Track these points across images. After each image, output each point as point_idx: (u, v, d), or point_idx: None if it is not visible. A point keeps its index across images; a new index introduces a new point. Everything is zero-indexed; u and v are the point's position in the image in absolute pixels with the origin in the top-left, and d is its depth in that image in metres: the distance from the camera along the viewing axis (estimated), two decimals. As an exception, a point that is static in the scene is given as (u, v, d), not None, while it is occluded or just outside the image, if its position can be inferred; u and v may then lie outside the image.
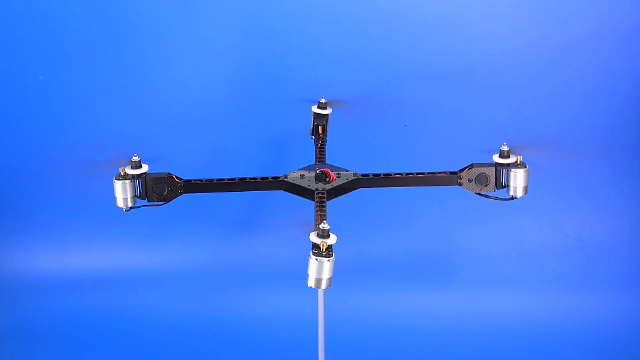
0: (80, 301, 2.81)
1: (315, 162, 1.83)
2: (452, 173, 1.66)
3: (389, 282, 2.78)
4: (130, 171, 1.64)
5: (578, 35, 2.44)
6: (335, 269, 1.39)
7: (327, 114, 1.97)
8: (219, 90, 2.60)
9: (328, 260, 1.36)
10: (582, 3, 2.42)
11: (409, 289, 2.76)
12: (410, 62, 2.52)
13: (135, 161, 1.65)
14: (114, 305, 2.78)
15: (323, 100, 1.96)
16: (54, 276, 2.85)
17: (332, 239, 1.38)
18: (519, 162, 1.60)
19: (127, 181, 1.64)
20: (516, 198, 1.62)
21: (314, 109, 1.97)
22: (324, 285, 1.39)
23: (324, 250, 1.37)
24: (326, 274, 1.37)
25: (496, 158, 1.62)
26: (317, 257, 1.36)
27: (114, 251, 2.86)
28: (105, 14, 2.52)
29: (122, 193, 1.64)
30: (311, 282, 1.40)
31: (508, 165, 1.61)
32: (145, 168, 1.67)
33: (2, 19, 2.55)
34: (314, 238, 1.39)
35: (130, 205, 1.66)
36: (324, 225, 1.38)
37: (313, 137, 1.98)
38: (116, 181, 1.64)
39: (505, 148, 1.61)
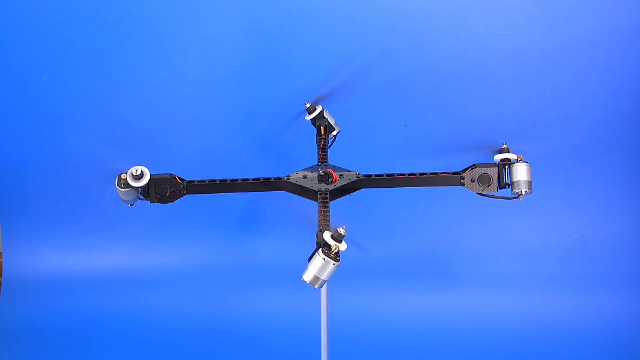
0: (84, 301, 2.81)
1: (318, 162, 1.83)
2: (454, 173, 1.66)
3: (391, 282, 2.78)
4: (133, 183, 1.65)
5: (581, 35, 2.44)
6: (338, 269, 1.40)
7: (320, 113, 1.97)
8: (221, 91, 2.60)
9: (334, 264, 1.37)
10: (585, 3, 2.41)
11: (412, 289, 2.76)
12: (412, 62, 2.52)
13: (136, 175, 1.65)
14: (117, 306, 2.79)
15: (307, 105, 1.97)
16: (57, 277, 2.86)
17: (343, 246, 1.39)
18: (519, 160, 1.61)
19: (131, 189, 1.65)
20: (520, 195, 1.62)
21: (307, 117, 1.98)
22: (317, 285, 1.39)
23: (333, 253, 1.37)
24: (326, 275, 1.38)
25: (497, 156, 1.63)
26: (325, 257, 1.36)
27: (117, 252, 2.86)
28: (107, 15, 2.52)
29: (126, 197, 1.66)
30: (308, 277, 1.40)
31: (509, 160, 1.61)
32: (146, 178, 1.67)
33: (4, 19, 2.55)
34: (328, 238, 1.39)
35: (131, 204, 1.68)
36: (342, 230, 1.38)
37: (324, 136, 1.98)
38: (120, 189, 1.65)
39: (505, 147, 1.62)
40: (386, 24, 2.48)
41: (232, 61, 2.55)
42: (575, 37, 2.45)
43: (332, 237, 1.39)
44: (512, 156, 1.61)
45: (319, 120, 1.98)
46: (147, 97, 2.62)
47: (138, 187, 1.67)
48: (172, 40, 2.55)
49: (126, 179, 1.65)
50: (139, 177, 1.65)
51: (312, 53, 2.51)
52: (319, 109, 1.97)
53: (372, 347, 2.62)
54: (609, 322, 2.64)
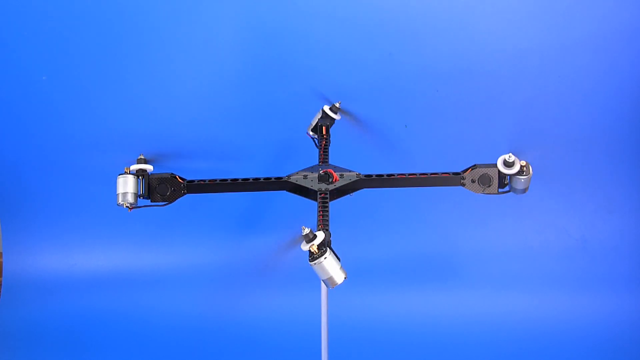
0: (84, 302, 2.81)
1: (319, 162, 1.84)
2: (455, 174, 1.66)
3: (391, 283, 2.78)
4: (133, 166, 1.66)
5: (581, 35, 2.44)
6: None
7: (334, 118, 1.97)
8: (222, 91, 2.60)
9: (325, 258, 1.36)
10: (586, 3, 2.41)
11: (412, 289, 2.76)
12: (413, 62, 2.52)
13: (139, 159, 1.67)
14: (118, 306, 2.79)
15: (337, 105, 1.97)
16: (57, 277, 2.86)
17: (319, 237, 1.38)
18: (523, 168, 1.59)
19: (129, 176, 1.65)
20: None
21: (326, 108, 1.97)
22: (339, 279, 1.39)
23: (316, 251, 1.37)
24: (331, 269, 1.38)
25: (500, 167, 1.61)
26: (315, 262, 1.36)
27: (118, 252, 2.86)
28: (109, 14, 2.52)
29: (123, 187, 1.65)
30: (327, 285, 1.40)
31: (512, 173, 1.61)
32: (148, 166, 1.67)
33: (5, 20, 2.55)
34: (303, 246, 1.39)
35: (130, 200, 1.66)
36: (305, 230, 1.38)
37: (310, 133, 1.98)
38: (118, 177, 1.65)
39: (510, 159, 1.60)
40: (386, 24, 2.48)
41: (232, 61, 2.55)
42: (575, 37, 2.45)
43: (305, 241, 1.39)
44: (515, 169, 1.60)
45: (321, 121, 1.97)
46: (148, 96, 2.62)
47: (137, 180, 1.66)
48: (173, 40, 2.55)
49: (129, 170, 1.66)
50: (141, 162, 1.67)
51: (315, 53, 2.51)
52: (338, 116, 1.97)
53: (372, 347, 2.62)
54: (609, 322, 2.64)
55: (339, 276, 1.39)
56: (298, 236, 1.42)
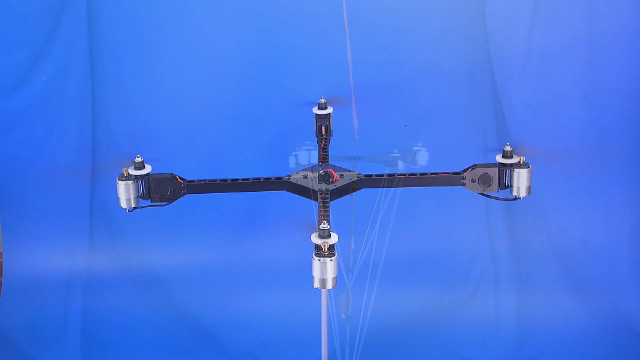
0: (84, 302, 2.81)
1: (319, 162, 1.83)
2: (455, 173, 1.65)
3: (391, 283, 2.77)
4: (133, 172, 1.65)
5: (582, 35, 2.44)
6: (339, 270, 1.40)
7: (328, 114, 1.97)
8: (222, 90, 2.60)
9: (331, 260, 1.36)
10: (586, 3, 2.42)
11: (412, 289, 2.76)
12: (413, 62, 2.52)
13: (138, 162, 1.66)
14: (118, 306, 2.79)
15: (323, 101, 1.97)
16: (57, 277, 2.86)
17: (333, 239, 1.39)
18: (522, 162, 1.60)
19: (131, 182, 1.64)
20: (519, 198, 1.63)
21: (315, 110, 1.97)
22: (329, 285, 1.39)
23: (325, 250, 1.37)
24: (330, 273, 1.38)
25: (499, 158, 1.62)
26: (320, 258, 1.36)
27: (117, 252, 2.86)
28: (108, 14, 2.52)
29: (126, 194, 1.65)
30: (316, 284, 1.40)
31: (511, 165, 1.61)
32: (148, 169, 1.67)
33: (4, 19, 2.55)
34: (315, 239, 1.39)
35: (133, 205, 1.67)
36: (324, 226, 1.38)
37: (324, 136, 1.98)
38: (119, 182, 1.64)
39: (508, 148, 1.61)
40: (386, 24, 2.48)
41: (233, 60, 2.56)
42: (575, 37, 2.45)
43: (319, 236, 1.39)
44: (514, 160, 1.60)
45: (322, 120, 1.97)
46: (149, 96, 2.63)
47: (138, 183, 1.66)
48: (174, 40, 2.55)
49: (128, 171, 1.65)
50: (140, 165, 1.66)
51: (315, 52, 2.52)
52: (329, 109, 1.97)
53: (372, 347, 2.62)
54: (609, 322, 2.64)
55: (330, 282, 1.39)
56: (309, 228, 1.42)
